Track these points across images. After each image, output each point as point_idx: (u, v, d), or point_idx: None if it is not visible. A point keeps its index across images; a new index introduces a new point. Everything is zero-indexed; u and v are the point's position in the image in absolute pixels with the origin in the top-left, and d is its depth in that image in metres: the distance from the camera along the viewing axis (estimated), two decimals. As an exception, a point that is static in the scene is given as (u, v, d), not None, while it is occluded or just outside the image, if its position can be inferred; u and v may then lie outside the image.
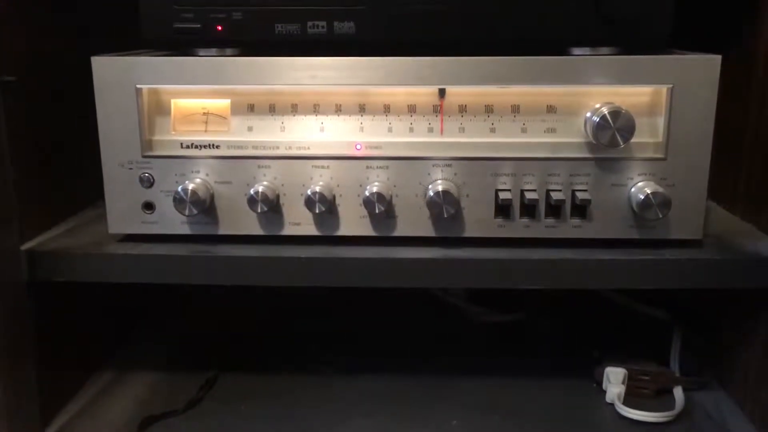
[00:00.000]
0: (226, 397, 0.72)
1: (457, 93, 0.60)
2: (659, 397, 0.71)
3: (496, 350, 0.81)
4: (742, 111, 0.68)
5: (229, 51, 0.61)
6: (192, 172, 0.61)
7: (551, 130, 0.60)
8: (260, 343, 0.83)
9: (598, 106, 0.58)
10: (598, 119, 0.57)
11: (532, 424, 0.67)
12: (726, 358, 0.72)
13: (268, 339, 0.84)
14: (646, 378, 0.71)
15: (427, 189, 0.60)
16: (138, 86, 0.60)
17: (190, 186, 0.60)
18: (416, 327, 0.87)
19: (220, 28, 0.59)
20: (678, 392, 0.70)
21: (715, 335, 0.74)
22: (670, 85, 0.57)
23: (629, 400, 0.69)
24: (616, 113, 0.57)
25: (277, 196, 0.61)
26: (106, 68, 0.59)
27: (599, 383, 0.72)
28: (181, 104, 0.62)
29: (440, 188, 0.59)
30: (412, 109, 0.61)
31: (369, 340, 0.84)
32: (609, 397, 0.70)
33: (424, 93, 0.60)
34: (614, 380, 0.71)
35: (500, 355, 0.80)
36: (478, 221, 0.61)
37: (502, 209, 0.60)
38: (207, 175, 0.61)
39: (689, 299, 0.78)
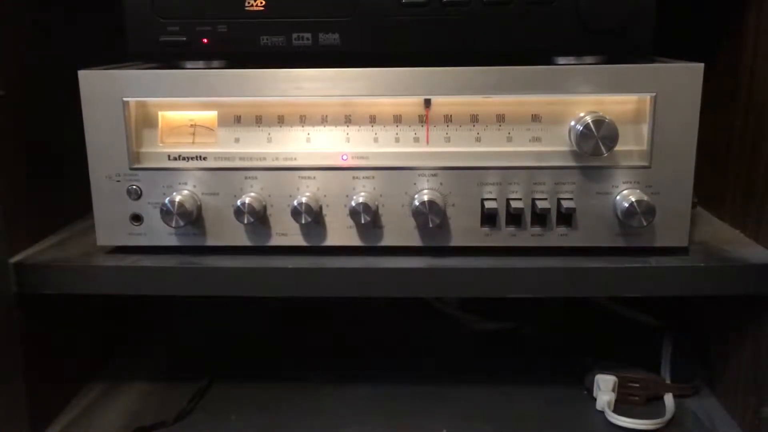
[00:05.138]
0: (216, 408, 0.72)
1: (443, 103, 0.60)
2: (650, 404, 0.71)
3: (486, 358, 0.81)
4: (728, 117, 0.69)
5: (215, 63, 0.61)
6: (179, 183, 0.61)
7: (536, 139, 0.60)
8: (250, 353, 0.83)
9: (581, 114, 0.59)
10: (581, 128, 0.58)
11: (522, 432, 0.68)
12: (716, 365, 0.72)
13: (258, 349, 0.84)
14: (637, 385, 0.71)
15: (413, 199, 0.60)
16: (125, 99, 0.60)
17: (177, 198, 0.60)
18: (407, 335, 0.87)
19: (205, 40, 0.60)
20: (668, 399, 0.70)
21: (705, 342, 0.74)
22: (654, 94, 0.58)
23: (620, 407, 0.69)
24: (599, 122, 0.57)
25: (264, 207, 0.61)
26: (93, 81, 0.60)
27: (589, 391, 0.72)
28: (168, 116, 0.62)
29: (426, 198, 0.59)
30: (397, 120, 0.61)
31: (360, 349, 0.84)
32: (599, 405, 0.70)
33: (410, 103, 0.61)
34: (604, 388, 0.70)
35: (490, 363, 0.80)
36: (465, 230, 0.61)
37: (488, 218, 0.60)
38: (194, 186, 0.61)
39: (680, 306, 0.78)
